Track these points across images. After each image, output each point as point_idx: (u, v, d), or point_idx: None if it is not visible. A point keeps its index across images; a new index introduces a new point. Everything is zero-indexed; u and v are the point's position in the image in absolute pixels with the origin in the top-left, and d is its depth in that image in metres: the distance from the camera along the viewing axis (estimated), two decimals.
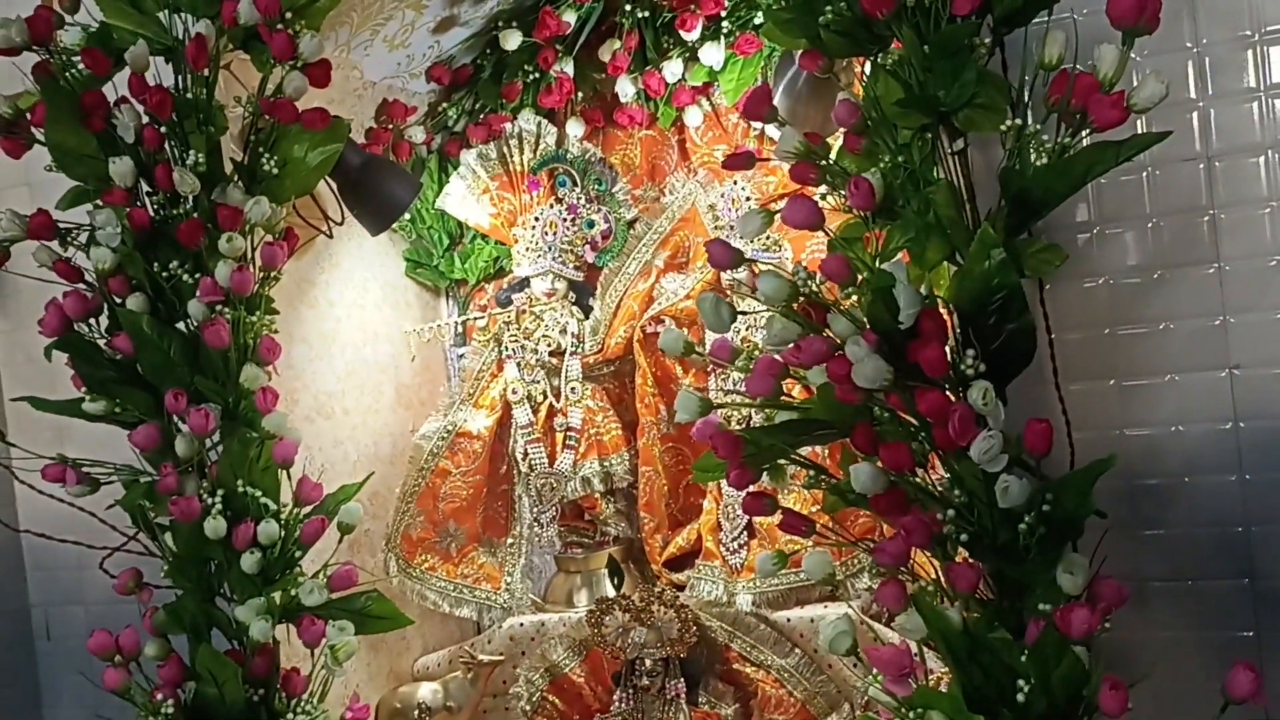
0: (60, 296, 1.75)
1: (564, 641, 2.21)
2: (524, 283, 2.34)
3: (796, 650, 2.07)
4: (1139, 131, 1.57)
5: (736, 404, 2.04)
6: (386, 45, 2.15)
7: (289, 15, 1.69)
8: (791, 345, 1.37)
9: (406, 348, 2.43)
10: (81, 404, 1.76)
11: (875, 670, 1.40)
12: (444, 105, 2.37)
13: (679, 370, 2.27)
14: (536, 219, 2.31)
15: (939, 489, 1.36)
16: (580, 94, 2.31)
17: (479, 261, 2.45)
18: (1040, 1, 1.37)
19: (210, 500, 1.69)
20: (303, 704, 1.75)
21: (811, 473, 1.47)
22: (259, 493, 1.72)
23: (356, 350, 2.29)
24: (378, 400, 2.33)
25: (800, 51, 1.50)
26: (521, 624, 2.28)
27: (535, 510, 2.33)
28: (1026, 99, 1.38)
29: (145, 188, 1.75)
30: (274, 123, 1.75)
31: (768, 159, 1.86)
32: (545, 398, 2.31)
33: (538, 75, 2.28)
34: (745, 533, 2.16)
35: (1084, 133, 1.34)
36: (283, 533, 1.73)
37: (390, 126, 2.30)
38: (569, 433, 2.30)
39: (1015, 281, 1.33)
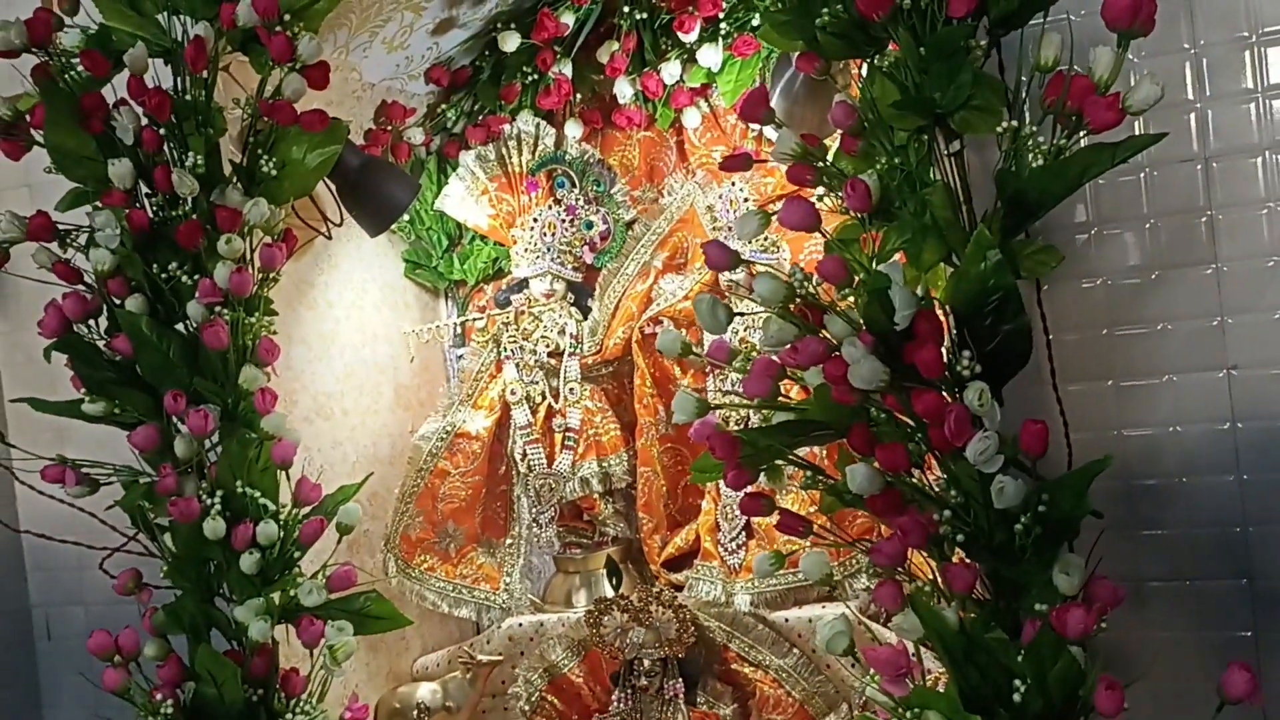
0: (60, 298, 1.75)
1: (563, 642, 2.21)
2: (523, 284, 2.34)
3: (794, 650, 2.08)
4: (1136, 133, 1.57)
5: (734, 405, 2.04)
6: (385, 47, 2.15)
7: (287, 17, 1.70)
8: (788, 346, 1.37)
9: (405, 349, 2.43)
10: (81, 405, 1.77)
11: (873, 670, 1.40)
12: (443, 107, 2.37)
13: (677, 371, 2.27)
14: (535, 220, 2.31)
15: (935, 490, 1.36)
16: (579, 95, 2.31)
17: (478, 262, 2.46)
18: (1036, 3, 1.38)
19: (209, 501, 1.70)
20: (302, 704, 1.76)
21: (809, 473, 1.47)
22: (258, 493, 1.73)
23: (355, 351, 2.29)
24: (376, 401, 2.33)
25: (797, 53, 1.51)
26: (520, 624, 2.28)
27: (534, 511, 2.34)
28: (1023, 101, 1.38)
29: (144, 189, 1.75)
30: (273, 124, 1.75)
31: (765, 160, 1.86)
32: (544, 398, 2.32)
33: (536, 77, 2.28)
34: (743, 533, 2.16)
35: (1080, 134, 1.35)
36: (282, 533, 1.73)
37: (389, 128, 2.30)
38: (568, 433, 2.30)
39: (1011, 283, 1.33)
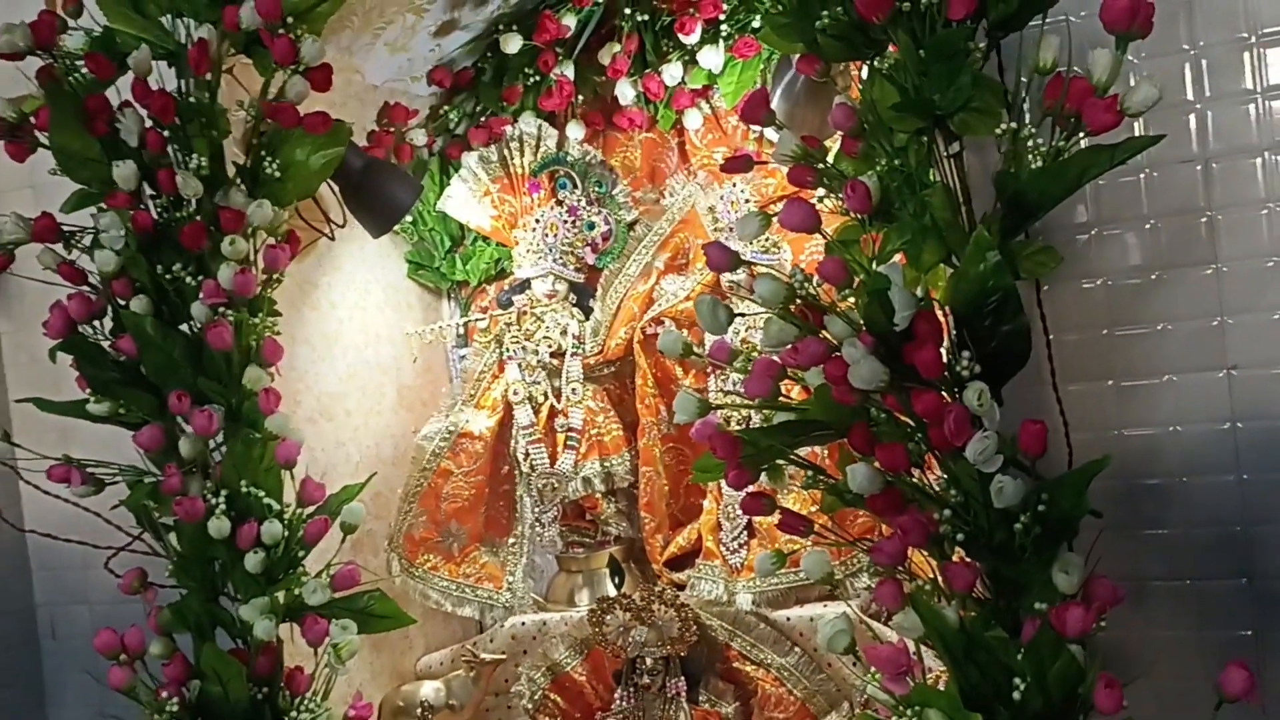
0: (65, 299, 1.76)
1: (565, 640, 2.22)
2: (525, 284, 2.35)
3: (796, 649, 2.08)
4: (1135, 134, 1.57)
5: (735, 405, 2.05)
6: (388, 49, 2.16)
7: (291, 20, 1.70)
8: (789, 347, 1.37)
9: (408, 349, 2.44)
10: (86, 405, 1.78)
11: (873, 669, 1.41)
12: (445, 108, 2.38)
13: (679, 371, 2.28)
14: (537, 221, 2.32)
15: (936, 489, 1.36)
16: (580, 97, 2.32)
17: (480, 263, 2.46)
18: (1035, 6, 1.38)
19: (214, 500, 1.70)
20: (306, 702, 1.77)
21: (810, 473, 1.48)
22: (262, 493, 1.73)
23: (358, 352, 2.30)
24: (380, 401, 2.34)
25: (798, 55, 1.51)
26: (523, 623, 2.29)
27: (537, 510, 2.34)
28: (1022, 102, 1.39)
29: (149, 191, 1.76)
30: (276, 126, 1.76)
31: (766, 162, 1.86)
32: (546, 398, 2.32)
33: (538, 78, 2.29)
34: (745, 532, 2.17)
35: (1079, 136, 1.35)
36: (286, 533, 1.74)
37: (392, 129, 2.31)
38: (570, 433, 2.31)
39: (1010, 283, 1.33)
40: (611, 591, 2.26)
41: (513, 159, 2.34)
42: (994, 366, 1.34)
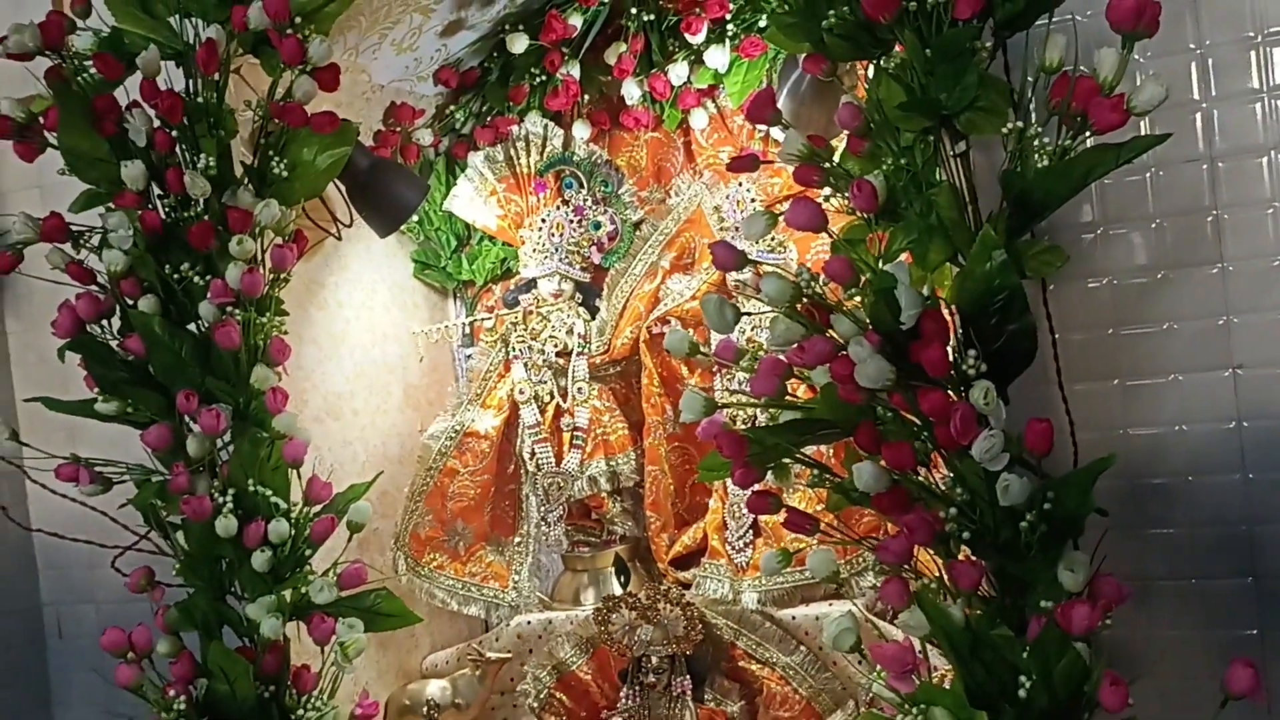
0: (73, 298, 1.77)
1: (571, 639, 2.22)
2: (531, 284, 2.35)
3: (801, 648, 2.08)
4: (1141, 133, 1.58)
5: (741, 404, 2.05)
6: (394, 49, 2.16)
7: (298, 20, 1.71)
8: (795, 345, 1.38)
9: (414, 349, 2.44)
10: (94, 404, 1.78)
11: (879, 667, 1.41)
12: (451, 108, 2.38)
13: (685, 370, 2.28)
14: (543, 220, 2.32)
15: (941, 487, 1.37)
16: (586, 97, 2.31)
17: (486, 263, 2.47)
18: (1041, 5, 1.38)
19: (221, 499, 1.71)
20: (313, 700, 1.77)
21: (815, 471, 1.48)
22: (269, 492, 1.74)
23: (365, 351, 2.31)
24: (386, 401, 2.35)
25: (804, 55, 1.51)
26: (529, 622, 2.29)
27: (542, 509, 2.35)
28: (1028, 102, 1.39)
29: (157, 191, 1.76)
30: (283, 126, 1.77)
31: (772, 161, 1.87)
32: (552, 398, 2.33)
33: (544, 78, 2.29)
34: (751, 531, 2.17)
35: (1085, 135, 1.35)
36: (293, 531, 1.74)
37: (398, 129, 2.31)
38: (576, 432, 2.31)
39: (1016, 282, 1.34)
40: (617, 590, 2.26)
41: (519, 159, 2.35)
42: (1000, 365, 1.35)
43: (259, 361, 1.77)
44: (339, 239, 2.18)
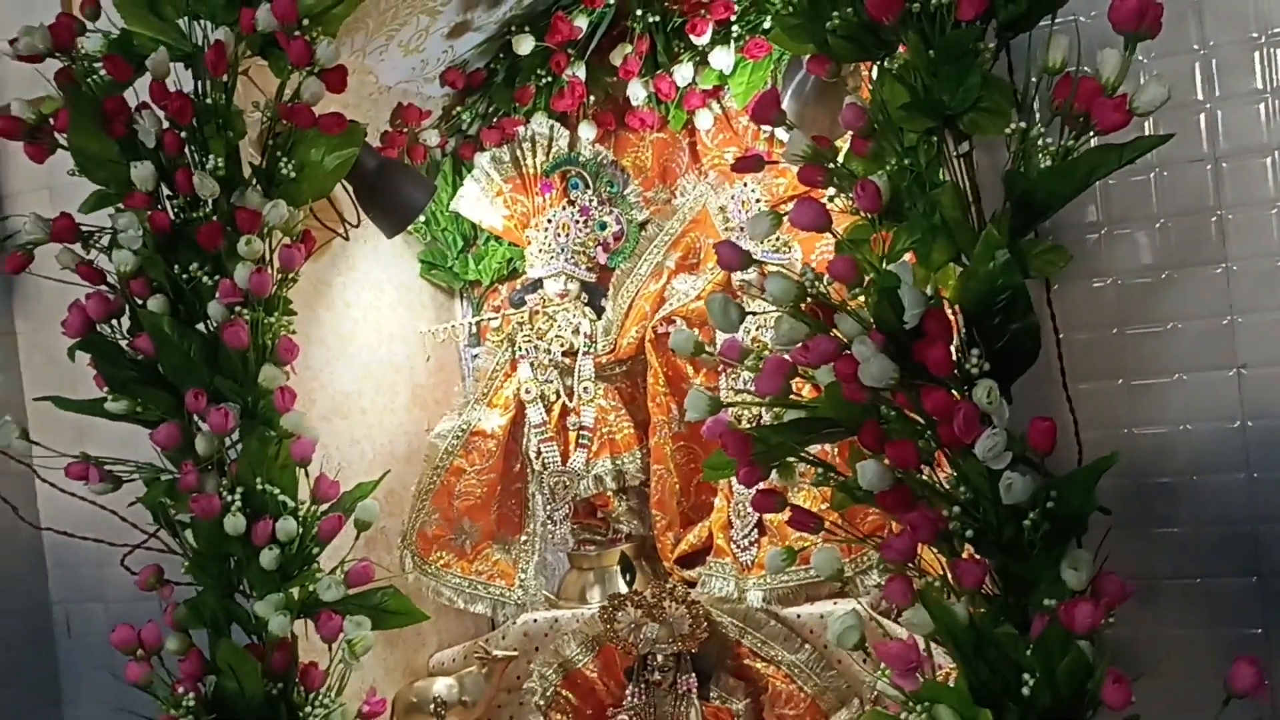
0: (83, 298, 1.78)
1: (577, 637, 2.23)
2: (537, 284, 2.36)
3: (807, 646, 2.09)
4: (1146, 133, 1.58)
5: (746, 403, 2.06)
6: (401, 50, 2.17)
7: (306, 22, 1.72)
8: (800, 345, 1.38)
9: (422, 348, 2.45)
10: (103, 403, 1.79)
11: (883, 665, 1.41)
12: (458, 109, 2.39)
13: (690, 370, 2.28)
14: (549, 221, 2.33)
15: (945, 486, 1.37)
16: (592, 98, 2.32)
17: (493, 263, 2.48)
18: (1044, 6, 1.39)
19: (230, 498, 1.72)
20: (320, 698, 1.78)
21: (820, 470, 1.48)
22: (277, 490, 1.75)
23: (372, 351, 2.32)
24: (393, 400, 2.35)
25: (808, 56, 1.52)
26: (535, 620, 2.30)
27: (549, 508, 2.35)
28: (1032, 102, 1.40)
29: (166, 191, 1.77)
30: (291, 127, 1.77)
31: (777, 161, 1.87)
32: (558, 397, 2.33)
33: (550, 79, 2.29)
34: (756, 530, 2.17)
35: (1088, 135, 1.36)
36: (301, 530, 1.75)
37: (405, 130, 2.32)
38: (582, 431, 2.32)
39: (1019, 282, 1.34)
40: (623, 589, 2.27)
41: (525, 159, 2.36)
42: (1003, 364, 1.35)
43: (267, 361, 1.77)
44: (346, 239, 2.19)
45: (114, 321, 1.79)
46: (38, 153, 1.80)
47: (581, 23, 2.22)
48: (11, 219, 2.17)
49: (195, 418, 1.74)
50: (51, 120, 1.77)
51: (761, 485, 1.51)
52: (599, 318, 2.34)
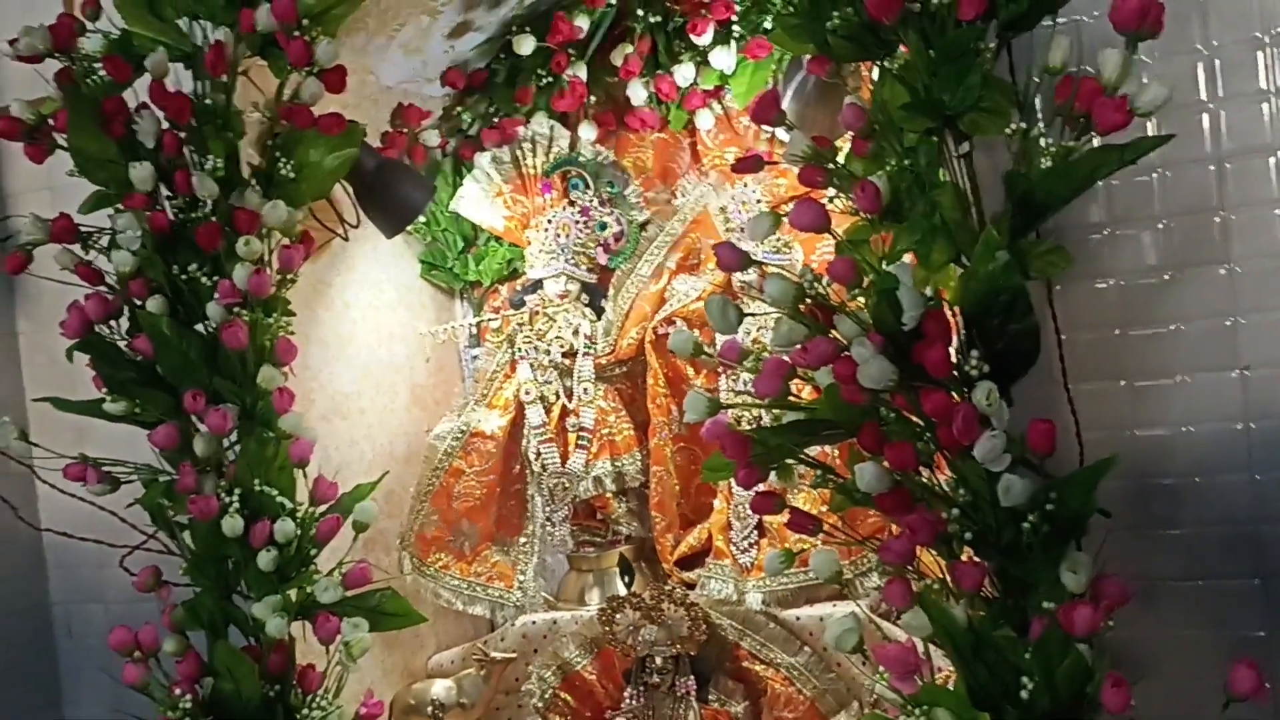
0: (82, 299, 1.78)
1: (576, 639, 2.23)
2: (537, 284, 2.36)
3: (806, 648, 2.08)
4: (1148, 133, 1.57)
5: (745, 404, 2.05)
6: (402, 50, 2.17)
7: (306, 22, 1.72)
8: (799, 346, 1.38)
9: (421, 349, 2.45)
10: (102, 404, 1.79)
11: (882, 668, 1.41)
12: (458, 109, 2.39)
13: (690, 371, 2.28)
14: (550, 221, 2.33)
15: (944, 488, 1.37)
16: (593, 98, 2.32)
17: (493, 263, 2.47)
18: (1045, 6, 1.38)
19: (228, 499, 1.72)
20: (318, 700, 1.77)
21: (819, 472, 1.48)
22: (276, 492, 1.75)
23: (372, 351, 2.31)
24: (393, 401, 2.35)
25: (809, 56, 1.52)
26: (534, 622, 2.29)
27: (548, 509, 2.35)
28: (1033, 102, 1.39)
29: (165, 192, 1.77)
30: (291, 127, 1.78)
31: (777, 162, 1.87)
32: (558, 398, 2.33)
33: (551, 79, 2.29)
34: (756, 532, 2.17)
35: (1089, 136, 1.35)
36: (299, 531, 1.75)
37: (405, 130, 2.32)
38: (581, 433, 2.32)
39: (1020, 283, 1.33)
40: (622, 590, 2.26)
41: (525, 160, 2.35)
42: (1003, 366, 1.34)
43: (266, 361, 1.77)
44: (346, 240, 2.19)
45: (113, 322, 1.79)
46: (37, 153, 1.80)
47: (582, 23, 2.22)
48: (11, 219, 2.16)
49: (194, 419, 1.74)
50: (51, 121, 1.77)
51: (760, 487, 1.50)
52: (599, 318, 2.34)
